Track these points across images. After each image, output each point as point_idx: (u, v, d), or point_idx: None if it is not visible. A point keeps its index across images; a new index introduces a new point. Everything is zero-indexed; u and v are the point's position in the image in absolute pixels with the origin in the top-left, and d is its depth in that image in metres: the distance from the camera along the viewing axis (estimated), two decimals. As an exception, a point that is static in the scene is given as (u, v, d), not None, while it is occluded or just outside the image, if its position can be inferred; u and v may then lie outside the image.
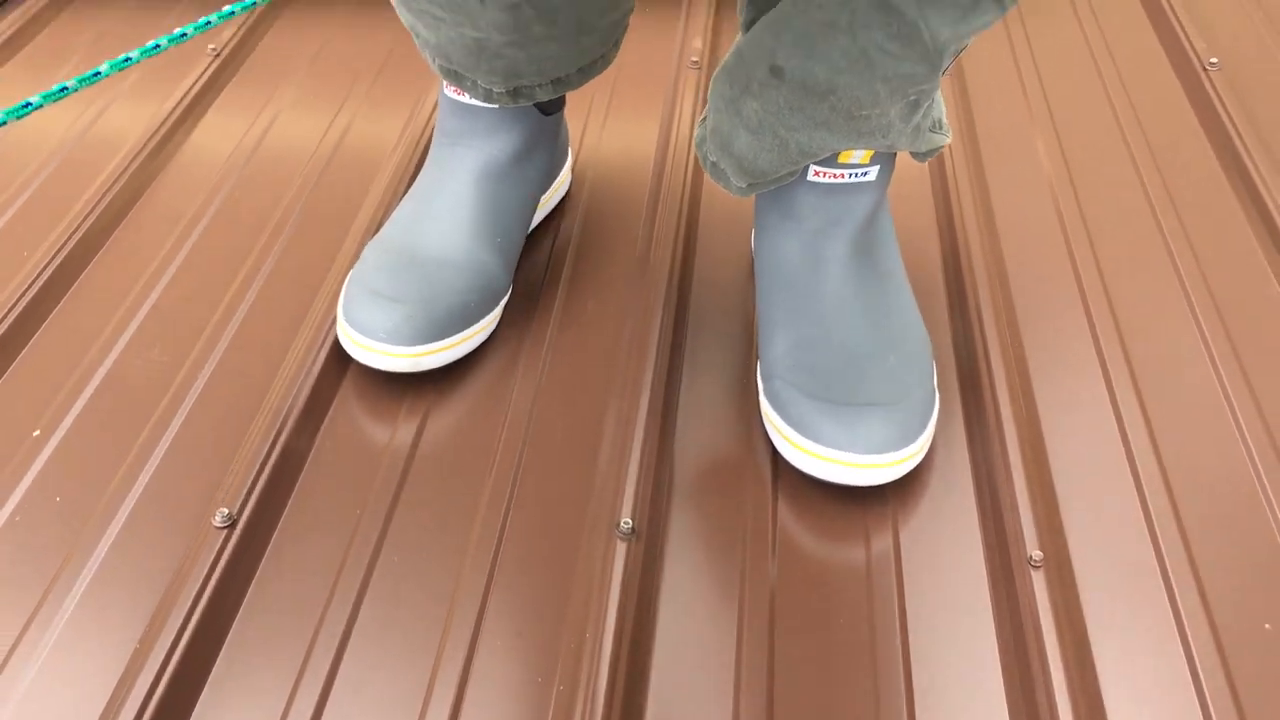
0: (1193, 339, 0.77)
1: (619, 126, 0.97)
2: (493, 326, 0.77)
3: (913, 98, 0.63)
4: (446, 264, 0.74)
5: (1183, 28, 1.06)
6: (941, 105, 0.71)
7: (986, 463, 0.69)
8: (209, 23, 0.66)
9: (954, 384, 0.75)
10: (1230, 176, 0.91)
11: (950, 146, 0.93)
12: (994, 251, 0.84)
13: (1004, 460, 0.68)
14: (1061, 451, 0.70)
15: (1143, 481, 0.68)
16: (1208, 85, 0.98)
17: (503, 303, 0.77)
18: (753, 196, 0.88)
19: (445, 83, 0.77)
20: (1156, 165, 0.92)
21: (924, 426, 0.67)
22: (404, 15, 0.73)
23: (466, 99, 0.77)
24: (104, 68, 0.64)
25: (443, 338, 0.72)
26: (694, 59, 1.03)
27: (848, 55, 0.60)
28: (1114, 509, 0.67)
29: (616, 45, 0.77)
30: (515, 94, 0.74)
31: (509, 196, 0.78)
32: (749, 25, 0.69)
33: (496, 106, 0.76)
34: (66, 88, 0.62)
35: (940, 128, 0.71)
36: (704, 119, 0.75)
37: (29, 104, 0.60)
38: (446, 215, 0.76)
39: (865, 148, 0.66)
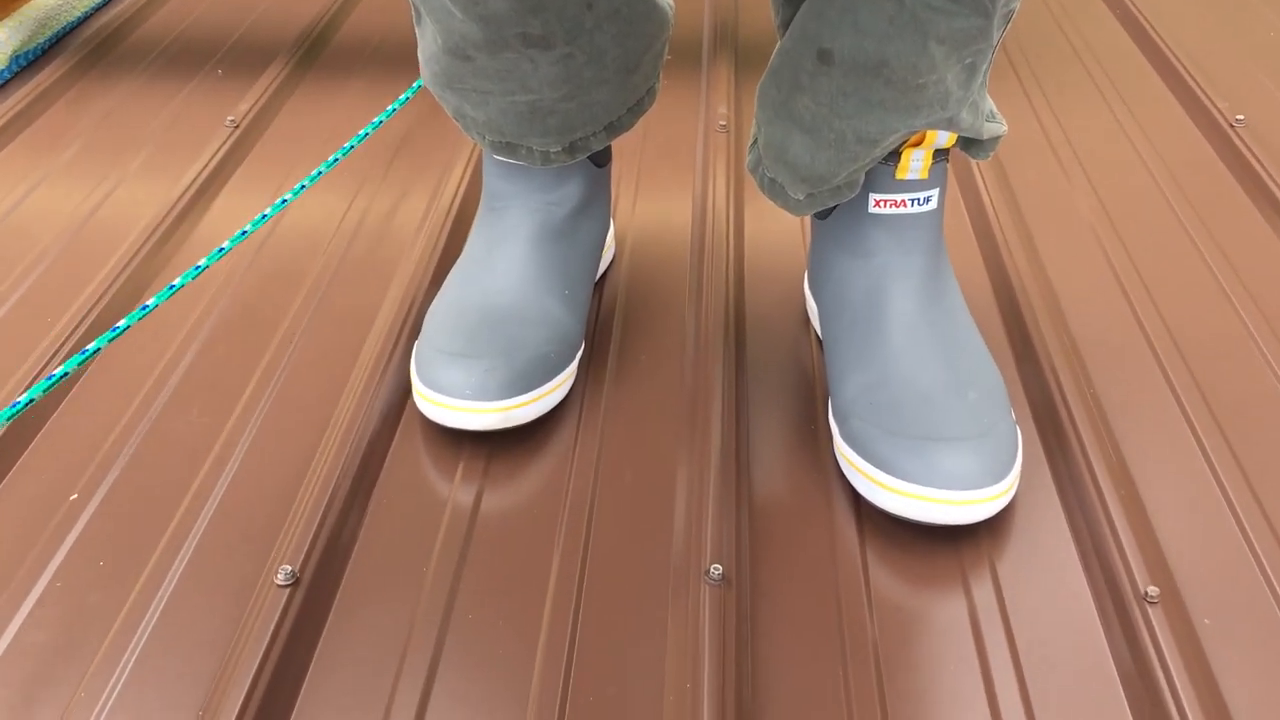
0: (1259, 362, 0.75)
1: (653, 194, 0.96)
2: (572, 379, 0.74)
3: (969, 60, 0.61)
4: (519, 319, 0.71)
5: (1204, 91, 1.07)
6: (991, 102, 0.70)
7: (1079, 499, 0.66)
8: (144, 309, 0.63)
9: (1028, 420, 0.73)
10: (1269, 218, 0.90)
11: (991, 199, 0.93)
12: (1048, 292, 0.83)
13: (1098, 496, 0.65)
14: (1152, 484, 0.67)
15: (1238, 508, 0.66)
16: (1236, 140, 0.99)
17: (578, 356, 0.74)
18: (807, 226, 0.87)
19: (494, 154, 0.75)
20: (1196, 211, 0.92)
21: (1013, 461, 0.65)
22: (447, 99, 0.72)
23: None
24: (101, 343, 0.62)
25: (528, 390, 0.69)
26: (721, 123, 1.03)
27: (895, 21, 0.59)
28: (1215, 538, 0.64)
29: (659, 78, 0.76)
30: (571, 149, 0.73)
31: (570, 252, 0.76)
32: (787, 24, 0.68)
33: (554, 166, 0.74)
34: (67, 372, 0.60)
35: (995, 118, 0.70)
36: (753, 142, 0.73)
37: (31, 399, 0.58)
38: (511, 273, 0.73)
39: (926, 125, 0.64)
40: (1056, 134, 1.04)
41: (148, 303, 0.63)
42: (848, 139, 0.64)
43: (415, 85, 0.89)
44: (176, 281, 0.65)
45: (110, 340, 0.61)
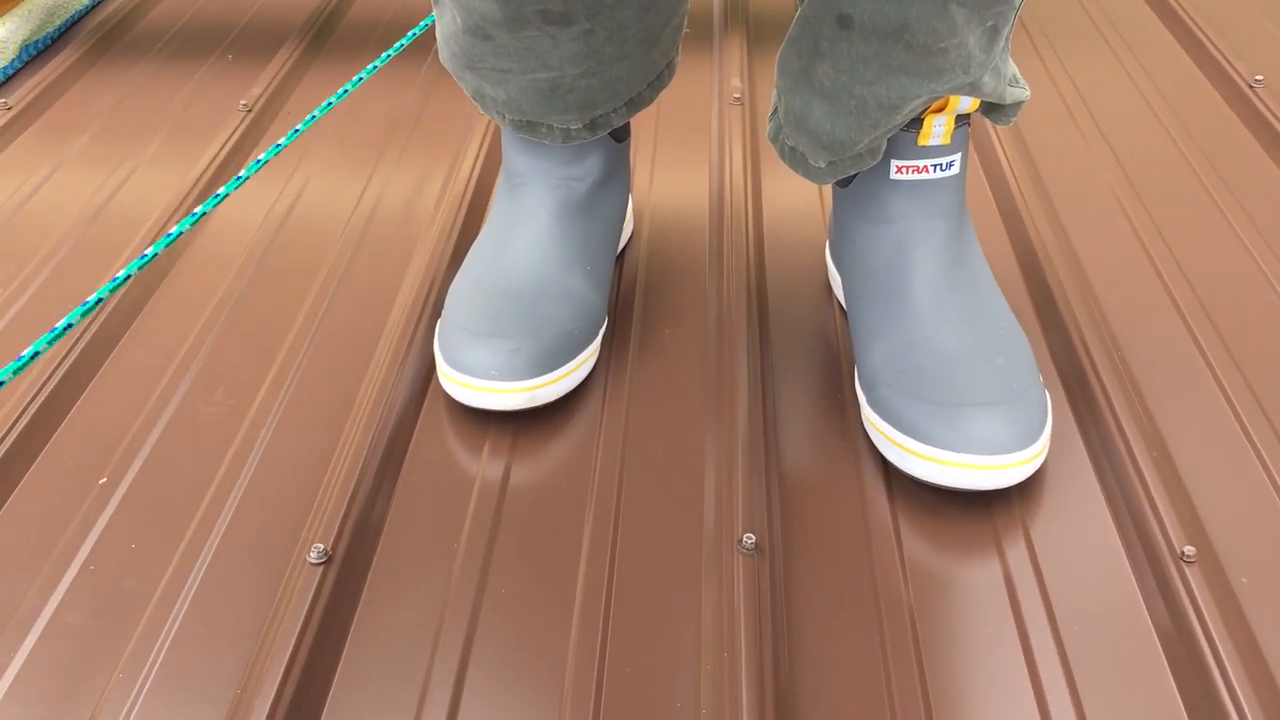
0: (1293, 335, 0.75)
1: (671, 169, 0.95)
2: (597, 355, 0.73)
3: (990, 23, 0.60)
4: (543, 296, 0.71)
5: (1221, 53, 1.06)
6: (1014, 66, 0.69)
7: (1110, 461, 0.66)
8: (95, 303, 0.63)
9: (1056, 384, 0.72)
10: (1294, 182, 0.90)
11: (1010, 166, 0.92)
12: (1071, 256, 0.82)
13: (1130, 458, 0.65)
14: (1184, 445, 0.67)
15: (1271, 467, 0.65)
16: (1256, 101, 0.98)
17: (602, 330, 0.74)
18: (829, 197, 0.87)
19: (515, 132, 0.75)
20: (1218, 173, 0.91)
21: (1043, 425, 0.64)
22: (467, 80, 0.72)
23: None
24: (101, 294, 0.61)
25: (553, 369, 0.69)
26: (736, 96, 1.02)
27: None
28: (1249, 497, 0.64)
29: (678, 51, 0.76)
30: (592, 126, 0.72)
31: (591, 228, 0.75)
32: None
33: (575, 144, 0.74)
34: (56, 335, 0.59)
35: (1018, 82, 0.69)
36: (773, 111, 0.73)
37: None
38: (533, 250, 0.73)
39: (948, 90, 0.63)
40: (1073, 98, 1.03)
41: (167, 234, 0.63)
42: (869, 105, 0.63)
43: (423, 24, 0.88)
44: (197, 211, 0.64)
45: (138, 267, 0.60)
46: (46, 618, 0.59)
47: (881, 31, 0.60)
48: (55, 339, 0.58)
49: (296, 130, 0.70)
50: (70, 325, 0.58)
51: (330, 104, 0.73)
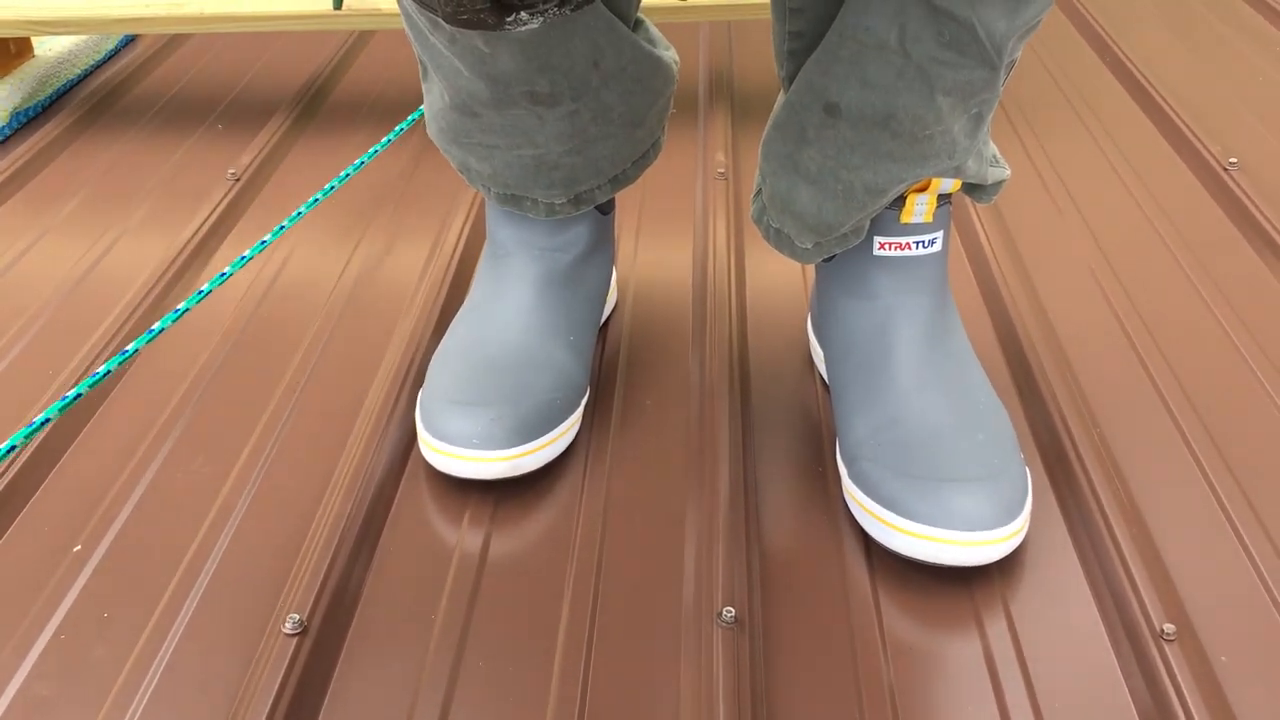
0: (1261, 396, 0.75)
1: (654, 242, 0.96)
2: (578, 425, 0.73)
3: (976, 110, 0.62)
4: (524, 365, 0.71)
5: (1197, 136, 1.08)
6: (994, 146, 0.71)
7: (1090, 538, 0.66)
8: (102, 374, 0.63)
9: (1036, 460, 0.72)
10: (1268, 260, 0.91)
11: (990, 244, 0.93)
12: (1050, 333, 0.83)
13: (1110, 535, 0.65)
14: (1163, 522, 0.67)
15: (1249, 544, 0.65)
16: (1231, 184, 1.00)
17: (584, 401, 0.74)
18: (811, 272, 0.87)
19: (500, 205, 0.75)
20: (1193, 253, 0.93)
21: (1024, 501, 0.65)
22: (452, 153, 0.73)
23: None
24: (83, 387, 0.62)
25: (535, 438, 0.69)
26: (720, 170, 1.04)
27: (903, 75, 0.59)
28: (1228, 574, 0.64)
29: (664, 131, 0.77)
30: (576, 201, 0.73)
31: (574, 299, 0.76)
32: (791, 78, 0.68)
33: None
34: (49, 419, 0.59)
35: (999, 162, 0.70)
36: (756, 192, 0.74)
37: (13, 445, 0.58)
38: (515, 320, 0.73)
39: (934, 174, 0.64)
40: (1052, 178, 1.05)
41: (157, 326, 0.63)
42: (855, 190, 0.64)
43: (414, 116, 0.90)
44: (180, 306, 0.64)
45: (119, 363, 0.60)
46: (15, 688, 0.58)
47: (869, 120, 0.61)
48: (31, 433, 0.58)
49: (282, 226, 0.71)
50: (61, 408, 0.58)
51: (317, 200, 0.74)
